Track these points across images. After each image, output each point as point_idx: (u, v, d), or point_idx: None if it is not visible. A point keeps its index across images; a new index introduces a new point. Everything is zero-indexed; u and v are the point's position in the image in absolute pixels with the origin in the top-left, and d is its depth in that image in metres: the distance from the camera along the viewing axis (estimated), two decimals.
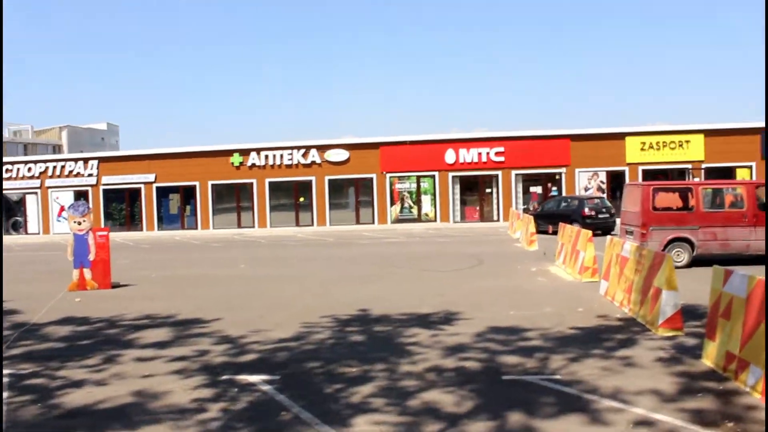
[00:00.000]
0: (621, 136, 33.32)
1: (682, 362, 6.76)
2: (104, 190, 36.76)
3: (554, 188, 33.86)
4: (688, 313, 8.55)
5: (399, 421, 5.32)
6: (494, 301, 10.80)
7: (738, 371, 5.95)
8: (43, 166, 37.36)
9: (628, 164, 33.20)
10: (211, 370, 7.02)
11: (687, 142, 32.99)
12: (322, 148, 35.09)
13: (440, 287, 12.53)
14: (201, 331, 9.05)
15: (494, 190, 34.46)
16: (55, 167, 37.22)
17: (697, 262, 14.29)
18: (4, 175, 37.06)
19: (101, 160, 37.34)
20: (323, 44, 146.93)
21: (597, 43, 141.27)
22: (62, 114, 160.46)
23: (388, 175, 34.68)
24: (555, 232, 19.97)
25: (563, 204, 26.21)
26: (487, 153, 33.98)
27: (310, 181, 35.23)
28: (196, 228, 35.87)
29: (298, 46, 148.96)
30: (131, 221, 36.73)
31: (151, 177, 36.29)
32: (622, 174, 33.18)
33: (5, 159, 39.63)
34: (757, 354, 5.63)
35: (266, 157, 35.31)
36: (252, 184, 35.60)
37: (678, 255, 14.30)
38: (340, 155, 34.90)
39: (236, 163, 35.49)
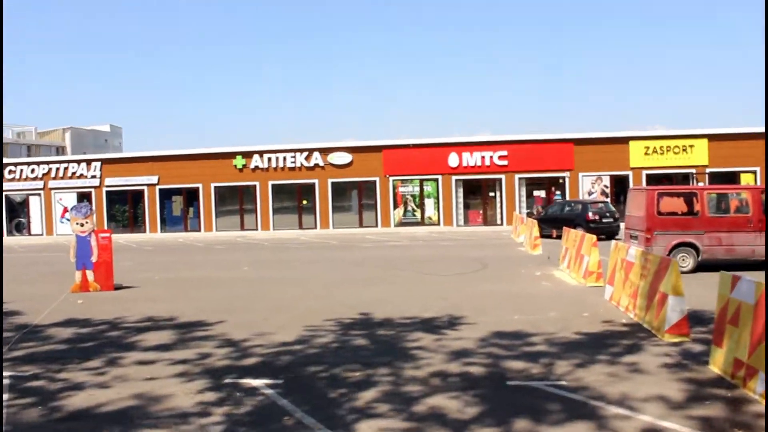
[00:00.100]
0: (625, 141, 33.28)
1: (689, 369, 6.69)
2: (107, 192, 36.79)
3: (558, 192, 33.80)
4: (694, 318, 8.49)
5: (403, 427, 5.26)
6: (498, 305, 10.74)
7: (746, 378, 5.88)
8: (46, 167, 37.41)
9: (632, 168, 33.15)
10: (214, 373, 6.98)
11: (691, 146, 32.92)
12: (324, 151, 35.05)
13: (444, 291, 12.47)
14: (204, 334, 9.01)
15: (498, 193, 34.39)
16: (58, 169, 37.27)
17: (701, 267, 14.22)
18: (8, 177, 37.16)
19: (104, 161, 37.41)
20: (323, 44, 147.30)
21: (597, 43, 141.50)
22: (65, 116, 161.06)
23: (391, 179, 34.64)
24: (559, 236, 19.91)
25: (567, 208, 26.14)
26: (491, 157, 33.93)
27: (313, 184, 35.19)
28: (199, 230, 35.88)
29: (298, 46, 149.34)
30: (134, 223, 36.74)
31: (154, 179, 36.31)
32: (625, 178, 33.12)
33: (8, 160, 39.67)
34: (766, 361, 5.56)
35: (269, 159, 35.30)
36: (255, 186, 35.59)
37: (683, 260, 14.24)
38: (343, 158, 34.86)
39: (239, 166, 35.50)
